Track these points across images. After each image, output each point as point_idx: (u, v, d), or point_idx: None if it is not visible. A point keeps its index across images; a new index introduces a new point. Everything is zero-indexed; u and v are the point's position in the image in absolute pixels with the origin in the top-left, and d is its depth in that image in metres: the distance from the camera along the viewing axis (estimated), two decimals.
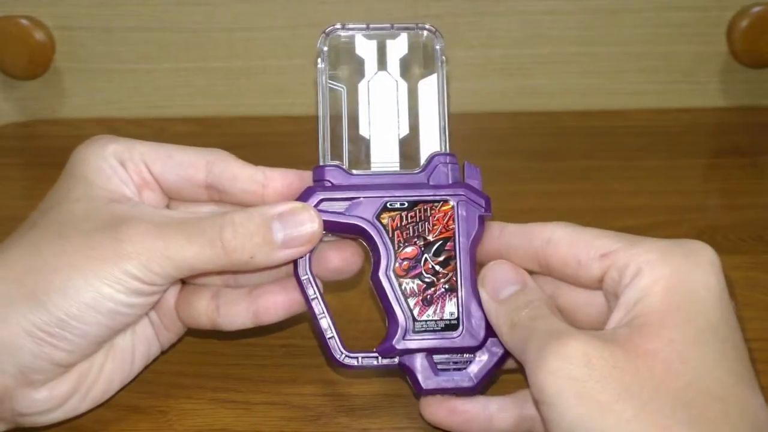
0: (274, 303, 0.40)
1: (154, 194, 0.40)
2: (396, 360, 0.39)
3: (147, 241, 0.36)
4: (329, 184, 0.39)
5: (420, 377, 0.38)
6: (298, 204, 0.38)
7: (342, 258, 0.40)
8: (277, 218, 0.37)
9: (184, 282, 0.41)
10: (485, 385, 0.39)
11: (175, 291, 0.41)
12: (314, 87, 0.41)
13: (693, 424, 0.30)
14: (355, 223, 0.38)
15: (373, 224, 0.39)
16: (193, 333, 0.43)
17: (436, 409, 0.38)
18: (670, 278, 0.33)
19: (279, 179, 0.39)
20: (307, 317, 0.41)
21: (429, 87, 0.41)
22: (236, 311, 0.40)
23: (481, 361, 0.39)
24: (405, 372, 0.39)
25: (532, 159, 0.63)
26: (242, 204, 0.39)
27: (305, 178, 0.40)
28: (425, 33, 0.41)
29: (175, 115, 0.69)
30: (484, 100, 0.70)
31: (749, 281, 0.49)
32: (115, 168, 0.39)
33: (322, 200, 0.38)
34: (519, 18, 0.67)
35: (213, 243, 0.36)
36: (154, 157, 0.39)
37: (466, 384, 0.39)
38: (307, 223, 0.37)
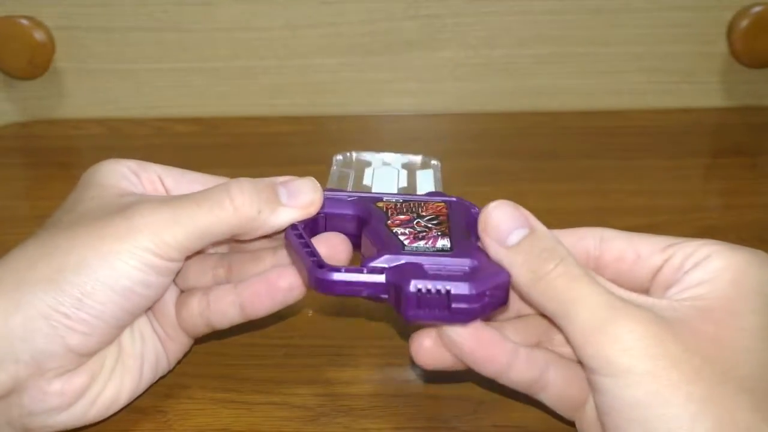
0: (258, 294, 0.39)
1: None
2: (383, 277, 0.34)
3: (156, 213, 0.36)
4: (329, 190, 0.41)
5: (405, 303, 0.33)
6: (303, 177, 0.39)
7: (330, 245, 0.39)
8: (281, 185, 0.39)
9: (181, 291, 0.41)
10: (485, 308, 0.34)
11: (174, 298, 0.41)
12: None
13: (757, 411, 0.31)
14: (353, 206, 0.39)
15: (368, 210, 0.39)
16: (198, 342, 0.43)
17: (434, 343, 0.36)
18: (739, 267, 0.34)
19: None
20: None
21: (426, 177, 0.48)
22: (224, 305, 0.40)
23: (482, 275, 0.34)
24: (393, 291, 0.34)
25: (532, 159, 0.63)
26: (248, 234, 0.39)
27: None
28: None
29: (175, 115, 0.69)
30: (484, 100, 0.70)
31: None
32: (127, 175, 0.40)
33: (325, 190, 0.39)
34: (519, 18, 0.67)
35: (222, 203, 0.37)
36: (168, 173, 0.41)
37: (462, 291, 0.33)
38: (309, 189, 0.39)
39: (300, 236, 0.37)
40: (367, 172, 0.48)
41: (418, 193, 0.47)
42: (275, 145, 0.64)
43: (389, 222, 0.38)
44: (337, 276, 0.35)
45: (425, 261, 0.35)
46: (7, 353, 0.35)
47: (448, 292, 0.33)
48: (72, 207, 0.39)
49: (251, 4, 0.67)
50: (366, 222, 0.39)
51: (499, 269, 0.34)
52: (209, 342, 0.44)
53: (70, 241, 0.36)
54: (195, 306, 0.40)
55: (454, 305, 0.33)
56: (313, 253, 0.36)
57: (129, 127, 0.67)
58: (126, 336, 0.39)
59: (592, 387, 0.33)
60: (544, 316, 0.36)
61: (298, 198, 0.39)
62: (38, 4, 0.66)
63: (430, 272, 0.34)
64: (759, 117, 0.69)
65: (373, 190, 0.47)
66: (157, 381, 0.41)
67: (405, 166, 0.50)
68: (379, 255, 0.35)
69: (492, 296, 0.34)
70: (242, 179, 0.38)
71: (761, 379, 0.32)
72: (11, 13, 0.66)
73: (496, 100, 0.70)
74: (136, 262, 0.36)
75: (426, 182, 0.48)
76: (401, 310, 0.34)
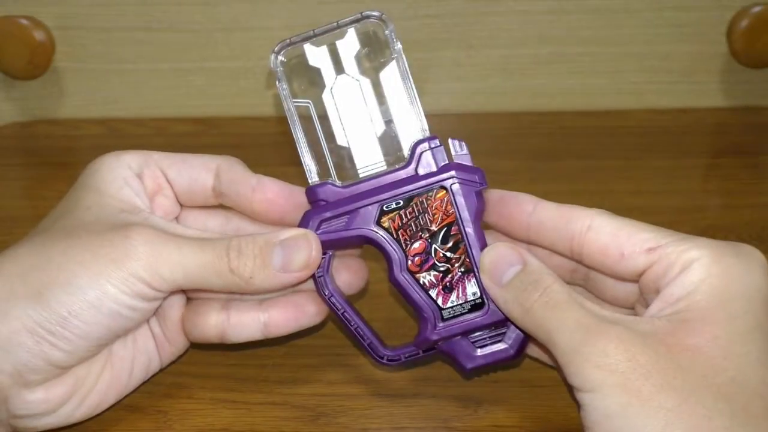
0: (285, 316, 0.40)
1: (167, 201, 0.41)
2: (435, 348, 0.40)
3: (158, 245, 0.36)
4: (323, 203, 0.39)
5: (462, 359, 0.39)
6: (300, 231, 0.38)
7: (351, 273, 0.41)
8: (279, 244, 0.38)
9: (189, 298, 0.41)
10: (524, 349, 0.40)
11: (180, 305, 0.41)
12: (280, 110, 0.41)
13: (735, 417, 0.31)
14: (359, 234, 0.39)
15: (375, 231, 0.39)
16: (195, 345, 0.43)
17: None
18: (720, 278, 0.34)
19: (269, 186, 0.40)
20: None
21: (391, 76, 0.40)
22: (247, 321, 0.40)
23: (514, 329, 0.39)
24: (448, 356, 0.40)
25: (532, 159, 0.63)
26: (241, 210, 0.41)
27: (296, 192, 0.40)
28: (374, 20, 0.40)
29: (175, 115, 0.69)
30: (484, 100, 0.70)
31: None
32: (128, 179, 0.39)
33: (321, 222, 0.39)
34: (519, 18, 0.67)
35: (221, 257, 0.37)
36: (170, 161, 0.41)
37: (506, 354, 0.39)
38: (304, 249, 0.38)
39: (341, 311, 0.40)
40: (327, 100, 0.40)
41: (392, 107, 0.40)
42: (275, 145, 0.64)
43: (409, 263, 0.39)
44: (398, 360, 0.40)
45: (465, 327, 0.39)
46: None
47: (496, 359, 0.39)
48: (68, 211, 0.38)
49: (251, 4, 0.67)
50: (377, 243, 0.39)
51: None
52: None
53: (63, 256, 0.35)
54: (212, 319, 0.40)
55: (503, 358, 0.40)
56: (366, 334, 0.40)
57: (129, 127, 0.67)
58: (117, 339, 0.39)
59: (577, 405, 0.34)
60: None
61: (293, 264, 0.38)
62: (38, 4, 0.66)
63: (477, 342, 0.39)
64: (759, 117, 0.69)
65: (344, 141, 0.40)
66: (149, 379, 0.41)
67: (360, 65, 0.40)
68: (423, 327, 0.39)
69: (526, 339, 0.40)
70: (243, 237, 0.38)
71: (741, 385, 0.31)
72: (11, 13, 0.66)
73: (496, 100, 0.70)
74: (127, 287, 0.35)
75: (395, 91, 0.40)
76: (458, 369, 0.40)
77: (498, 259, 0.37)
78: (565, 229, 0.37)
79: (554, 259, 0.40)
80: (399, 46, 0.40)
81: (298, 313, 0.40)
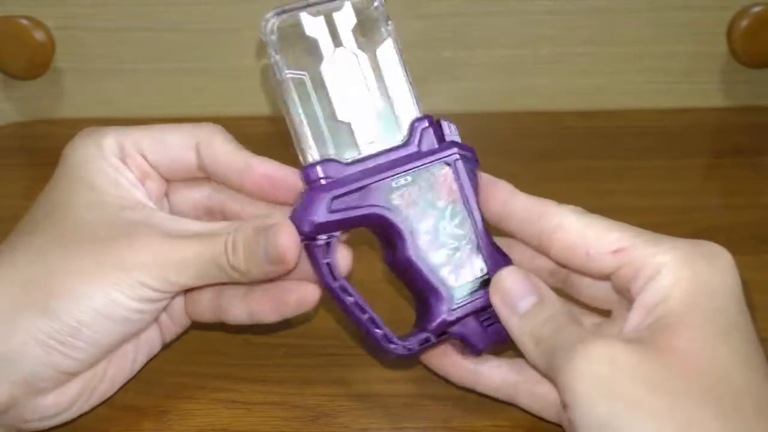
0: (263, 308, 0.40)
1: (155, 183, 0.40)
2: (447, 332, 0.39)
3: (163, 251, 0.36)
4: (324, 182, 0.37)
5: (474, 340, 0.39)
6: (280, 224, 0.36)
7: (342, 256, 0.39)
8: (261, 235, 0.36)
9: None
10: None
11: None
12: (270, 84, 0.38)
13: (726, 417, 0.30)
14: (373, 212, 0.37)
15: (387, 208, 0.38)
16: (197, 327, 0.43)
17: (440, 361, 0.40)
18: (690, 280, 0.33)
19: (258, 170, 0.39)
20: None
21: (388, 53, 0.39)
22: (235, 311, 0.40)
23: None
24: (458, 339, 0.39)
25: (532, 159, 0.63)
26: (228, 184, 0.40)
27: (290, 174, 0.39)
28: None
29: (175, 115, 0.69)
30: (484, 100, 0.70)
31: (749, 281, 0.49)
32: (119, 168, 0.38)
33: (333, 199, 0.37)
34: (519, 18, 0.67)
35: (221, 254, 0.36)
36: (148, 143, 0.39)
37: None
38: (281, 241, 0.36)
39: (351, 302, 0.37)
40: (326, 73, 0.37)
41: (389, 85, 0.39)
42: (275, 145, 0.64)
43: (419, 241, 0.38)
44: (413, 349, 0.38)
45: (477, 305, 0.39)
46: (2, 374, 0.34)
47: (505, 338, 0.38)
48: (61, 207, 0.37)
49: (251, 4, 0.67)
50: (386, 222, 0.38)
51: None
52: (210, 342, 0.44)
53: (65, 265, 0.35)
54: (205, 305, 0.40)
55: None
56: (379, 326, 0.38)
57: None
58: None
59: (569, 421, 0.33)
60: None
61: (274, 257, 0.36)
62: (38, 4, 0.66)
63: (485, 321, 0.39)
64: (759, 117, 0.69)
65: (344, 116, 0.38)
66: (157, 381, 0.41)
67: (357, 40, 0.39)
68: (436, 309, 0.38)
69: None
70: (238, 234, 0.36)
71: (729, 385, 0.31)
72: (11, 13, 0.66)
73: (496, 100, 0.70)
74: (134, 294, 0.35)
75: (393, 69, 0.39)
76: (470, 350, 0.39)
77: (516, 286, 0.37)
78: (536, 223, 0.37)
79: (537, 262, 0.40)
80: (391, 24, 0.39)
81: (279, 305, 0.39)
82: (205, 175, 0.40)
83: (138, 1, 0.66)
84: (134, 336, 0.39)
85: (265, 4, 0.69)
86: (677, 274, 0.34)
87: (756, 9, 0.66)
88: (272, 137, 0.67)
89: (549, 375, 0.35)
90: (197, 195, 0.41)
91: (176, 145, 0.39)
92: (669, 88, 0.70)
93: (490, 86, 0.69)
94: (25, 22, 0.65)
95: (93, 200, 0.37)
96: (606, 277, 0.36)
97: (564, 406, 0.33)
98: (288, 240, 0.36)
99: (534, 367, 0.36)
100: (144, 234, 0.36)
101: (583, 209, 0.38)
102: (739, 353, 0.32)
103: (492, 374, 0.39)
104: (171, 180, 0.41)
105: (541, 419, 0.39)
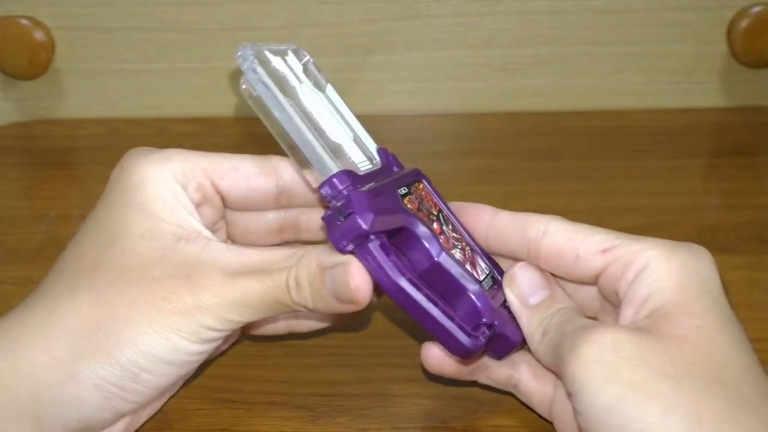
0: (305, 324, 0.42)
1: (212, 210, 0.39)
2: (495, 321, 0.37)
3: (226, 294, 0.35)
4: (346, 192, 0.35)
5: (510, 333, 0.38)
6: (349, 263, 0.34)
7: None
8: (328, 274, 0.35)
9: None
10: None
11: None
12: (264, 116, 0.37)
13: (731, 400, 0.31)
14: (404, 214, 0.36)
15: (408, 212, 0.37)
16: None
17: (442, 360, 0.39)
18: (679, 272, 0.34)
19: None
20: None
21: (333, 96, 0.40)
22: (307, 322, 0.42)
23: None
24: (495, 335, 0.37)
25: (532, 159, 0.63)
26: (306, 205, 0.40)
27: None
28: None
29: (175, 115, 0.69)
30: (484, 100, 0.70)
31: (749, 281, 0.49)
32: (178, 196, 0.37)
33: (374, 197, 0.35)
34: (519, 18, 0.67)
35: (284, 293, 0.35)
36: (220, 172, 0.38)
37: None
38: (356, 282, 0.34)
39: (421, 299, 0.35)
40: (307, 100, 0.37)
41: (347, 118, 0.39)
42: (276, 145, 0.64)
43: (442, 239, 0.38)
44: (482, 341, 0.36)
45: (503, 296, 0.38)
46: (57, 418, 0.34)
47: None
48: (118, 238, 0.36)
49: (251, 4, 0.67)
50: (416, 222, 0.37)
51: None
52: None
53: (128, 310, 0.34)
54: (282, 322, 0.42)
55: None
56: (454, 318, 0.36)
57: (129, 127, 0.67)
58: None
59: (574, 411, 0.33)
60: None
61: (342, 296, 0.35)
62: (38, 4, 0.66)
63: (510, 320, 0.38)
64: (759, 117, 0.69)
65: (335, 137, 0.38)
66: None
67: (308, 78, 0.39)
68: (484, 304, 0.37)
69: None
70: (299, 269, 0.35)
71: (730, 370, 0.32)
72: (11, 13, 0.66)
73: (496, 100, 0.70)
74: (196, 337, 0.35)
75: (342, 107, 0.40)
76: (508, 345, 0.38)
77: (531, 280, 0.38)
78: (522, 234, 0.38)
79: None
80: (322, 74, 0.39)
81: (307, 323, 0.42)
82: (278, 202, 0.40)
83: (138, 1, 0.67)
84: (191, 374, 0.39)
85: (265, 4, 0.70)
86: (666, 265, 0.34)
87: (756, 9, 0.66)
88: (271, 137, 0.67)
89: (555, 368, 0.35)
90: (270, 215, 0.41)
91: (252, 173, 0.39)
92: (669, 88, 0.70)
93: (490, 86, 0.69)
94: (25, 22, 0.66)
95: (149, 229, 0.36)
96: (593, 281, 0.37)
97: (569, 395, 0.33)
98: (360, 280, 0.34)
99: (540, 361, 0.37)
100: (203, 275, 0.35)
101: (563, 217, 0.38)
102: (738, 342, 0.33)
103: (498, 368, 0.39)
104: (238, 209, 0.40)
105: (541, 417, 0.39)
